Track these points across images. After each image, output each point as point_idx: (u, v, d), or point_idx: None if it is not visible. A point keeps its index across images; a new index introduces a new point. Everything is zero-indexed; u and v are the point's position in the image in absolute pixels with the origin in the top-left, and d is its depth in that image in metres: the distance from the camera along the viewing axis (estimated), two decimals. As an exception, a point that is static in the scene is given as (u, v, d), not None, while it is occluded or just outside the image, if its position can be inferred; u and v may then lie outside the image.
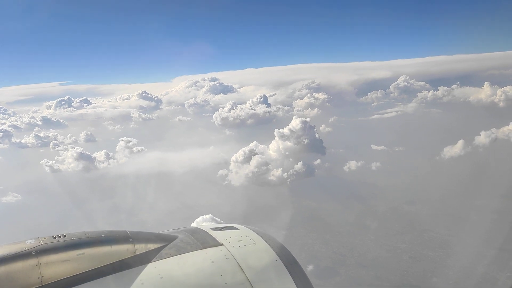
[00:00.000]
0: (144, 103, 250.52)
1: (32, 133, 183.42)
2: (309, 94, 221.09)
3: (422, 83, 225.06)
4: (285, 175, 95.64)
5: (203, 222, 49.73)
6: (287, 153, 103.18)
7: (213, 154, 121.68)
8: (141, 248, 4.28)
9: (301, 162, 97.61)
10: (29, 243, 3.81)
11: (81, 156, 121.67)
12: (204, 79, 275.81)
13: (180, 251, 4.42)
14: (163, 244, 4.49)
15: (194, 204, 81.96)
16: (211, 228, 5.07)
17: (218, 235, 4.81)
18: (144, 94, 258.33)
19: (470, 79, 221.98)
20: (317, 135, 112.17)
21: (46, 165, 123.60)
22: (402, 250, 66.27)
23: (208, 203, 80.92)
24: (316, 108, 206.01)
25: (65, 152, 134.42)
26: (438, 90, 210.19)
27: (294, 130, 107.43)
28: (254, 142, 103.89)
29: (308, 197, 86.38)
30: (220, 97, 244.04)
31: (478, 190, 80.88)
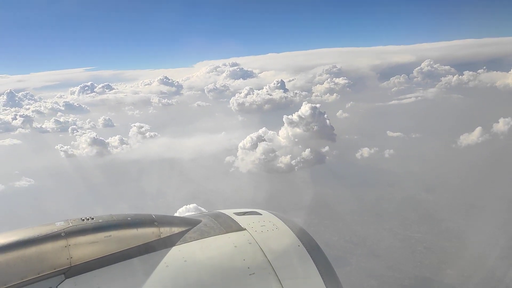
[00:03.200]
0: (165, 88, 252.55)
1: (52, 119, 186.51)
2: (329, 79, 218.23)
3: (447, 67, 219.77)
4: (293, 162, 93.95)
5: (186, 212, 48.93)
6: (296, 139, 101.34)
7: (223, 140, 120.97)
8: (165, 231, 4.36)
9: (309, 149, 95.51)
10: (58, 225, 3.93)
11: (95, 141, 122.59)
12: (225, 64, 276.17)
13: (203, 235, 4.49)
14: (187, 228, 4.56)
15: (196, 191, 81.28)
16: (234, 213, 5.11)
17: (241, 220, 4.86)
18: (165, 79, 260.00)
19: (498, 63, 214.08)
20: (328, 121, 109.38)
21: (61, 150, 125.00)
22: (416, 240, 64.43)
23: (211, 190, 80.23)
24: (335, 94, 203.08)
25: (81, 137, 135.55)
26: (463, 74, 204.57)
27: (303, 116, 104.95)
28: (264, 129, 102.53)
29: (319, 184, 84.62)
30: (240, 82, 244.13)
31: (496, 179, 77.95)
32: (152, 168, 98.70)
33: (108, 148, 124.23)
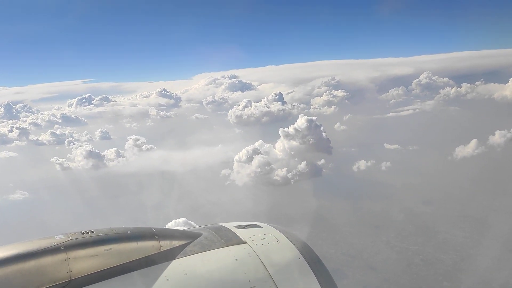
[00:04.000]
0: (163, 100, 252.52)
1: (49, 131, 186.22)
2: (327, 92, 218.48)
3: (446, 79, 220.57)
4: (289, 175, 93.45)
5: (175, 226, 48.20)
6: (292, 152, 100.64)
7: (220, 153, 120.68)
8: (166, 244, 4.33)
9: (305, 162, 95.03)
10: (58, 238, 3.90)
11: (90, 154, 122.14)
12: (223, 77, 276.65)
13: (204, 248, 4.47)
14: (188, 241, 4.54)
15: (190, 204, 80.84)
16: (235, 226, 5.08)
17: (242, 233, 4.83)
18: (163, 91, 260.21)
19: (496, 75, 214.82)
20: (324, 134, 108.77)
21: (57, 163, 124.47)
22: (413, 252, 63.86)
23: (206, 203, 79.94)
24: (333, 106, 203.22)
25: (77, 150, 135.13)
26: (461, 86, 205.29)
27: (299, 129, 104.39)
28: (260, 141, 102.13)
29: (316, 197, 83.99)
30: (238, 94, 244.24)
31: (492, 191, 77.64)
32: (147, 181, 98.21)
33: (104, 161, 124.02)
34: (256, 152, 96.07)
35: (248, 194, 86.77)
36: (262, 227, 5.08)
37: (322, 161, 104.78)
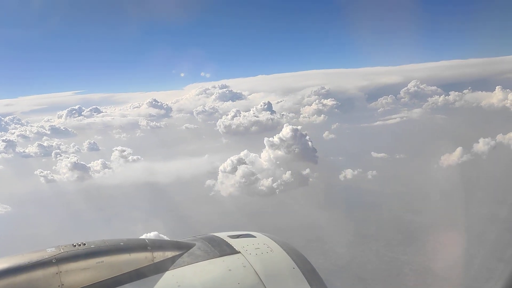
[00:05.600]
0: (153, 111, 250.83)
1: (36, 143, 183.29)
2: (317, 101, 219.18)
3: (434, 88, 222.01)
4: (275, 185, 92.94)
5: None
6: (278, 162, 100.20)
7: (206, 163, 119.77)
8: (159, 256, 4.30)
9: (290, 171, 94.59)
10: (49, 251, 3.86)
11: (76, 166, 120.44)
12: (214, 87, 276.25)
13: (197, 259, 4.45)
14: (181, 252, 4.50)
15: (175, 215, 79.88)
16: (228, 236, 5.04)
17: (235, 243, 4.80)
18: (154, 102, 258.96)
19: (483, 83, 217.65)
20: (310, 143, 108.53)
21: (41, 176, 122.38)
22: (402, 262, 63.41)
23: (191, 214, 79.13)
24: (322, 115, 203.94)
25: (61, 162, 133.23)
26: (449, 95, 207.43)
27: (284, 138, 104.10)
28: (245, 151, 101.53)
29: (303, 206, 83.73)
30: (228, 104, 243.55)
31: (479, 199, 77.81)
32: (131, 193, 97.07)
33: (90, 173, 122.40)
34: (241, 162, 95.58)
35: (233, 204, 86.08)
36: (255, 237, 5.06)
37: (307, 170, 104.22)
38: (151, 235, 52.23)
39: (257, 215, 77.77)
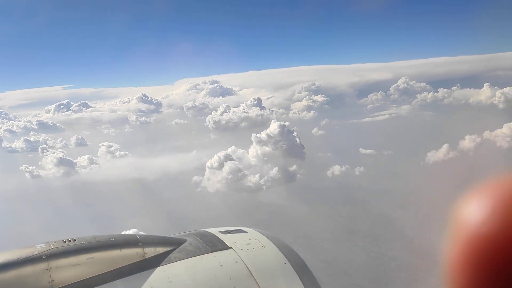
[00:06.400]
0: (143, 106, 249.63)
1: (22, 138, 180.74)
2: (307, 97, 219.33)
3: (423, 84, 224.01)
4: (262, 181, 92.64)
5: None
6: (265, 158, 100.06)
7: (194, 159, 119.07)
8: (150, 251, 4.29)
9: (276, 168, 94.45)
10: (39, 247, 3.84)
11: (61, 162, 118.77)
12: (205, 82, 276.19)
13: (189, 254, 4.43)
14: (172, 247, 4.49)
15: (161, 211, 78.68)
16: (219, 231, 5.03)
17: (227, 239, 4.80)
18: (143, 97, 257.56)
19: (472, 80, 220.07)
20: (297, 139, 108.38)
21: (26, 171, 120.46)
22: (389, 258, 63.68)
23: (177, 210, 78.40)
24: (312, 111, 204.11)
25: (45, 158, 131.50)
26: (438, 91, 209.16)
27: (271, 135, 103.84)
28: (233, 147, 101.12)
29: (291, 202, 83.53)
30: (219, 99, 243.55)
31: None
32: (119, 189, 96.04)
33: (76, 168, 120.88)
34: (228, 158, 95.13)
35: (220, 201, 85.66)
36: (247, 232, 5.05)
37: (294, 166, 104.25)
38: (130, 232, 51.47)
39: (244, 211, 77.57)
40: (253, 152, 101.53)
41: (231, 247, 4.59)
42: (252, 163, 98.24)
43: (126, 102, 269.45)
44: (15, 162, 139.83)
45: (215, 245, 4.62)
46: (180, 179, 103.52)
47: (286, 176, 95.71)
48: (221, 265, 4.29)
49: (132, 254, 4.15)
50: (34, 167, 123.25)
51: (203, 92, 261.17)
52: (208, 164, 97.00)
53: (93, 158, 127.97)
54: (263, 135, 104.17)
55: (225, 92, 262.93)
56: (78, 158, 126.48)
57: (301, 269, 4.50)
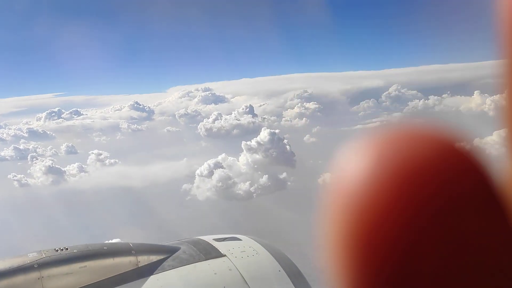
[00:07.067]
0: (135, 113, 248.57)
1: (12, 146, 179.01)
2: (299, 104, 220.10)
3: (414, 92, 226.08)
4: (252, 189, 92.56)
5: None
6: (255, 166, 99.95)
7: (184, 167, 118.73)
8: (143, 260, 4.21)
9: (267, 175, 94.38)
10: (31, 256, 3.77)
11: (50, 170, 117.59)
12: (197, 89, 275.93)
13: (182, 262, 4.37)
14: (166, 255, 4.40)
15: (150, 220, 78.15)
16: (213, 239, 4.97)
17: (221, 246, 4.74)
18: (136, 104, 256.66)
19: (463, 88, 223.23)
20: (288, 147, 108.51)
21: (14, 180, 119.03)
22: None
23: (166, 219, 77.89)
24: (304, 118, 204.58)
25: (34, 166, 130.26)
26: (429, 99, 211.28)
27: (261, 142, 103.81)
28: (223, 155, 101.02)
29: (281, 210, 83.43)
30: (211, 107, 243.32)
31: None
32: (108, 197, 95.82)
33: (65, 177, 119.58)
34: (218, 166, 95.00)
35: (210, 209, 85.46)
36: (241, 240, 5.04)
37: (284, 174, 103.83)
38: (113, 242, 50.81)
39: (235, 219, 77.18)
40: (244, 160, 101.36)
41: (225, 255, 4.58)
42: (243, 170, 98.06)
43: (118, 110, 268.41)
44: (4, 171, 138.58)
45: (209, 253, 4.61)
46: (169, 187, 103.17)
47: (277, 183, 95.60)
48: (215, 273, 4.27)
49: (125, 262, 4.08)
50: (22, 175, 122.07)
51: (196, 99, 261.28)
52: (197, 172, 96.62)
53: (83, 166, 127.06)
54: (253, 142, 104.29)
55: (218, 99, 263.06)
56: (68, 166, 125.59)
57: (296, 276, 4.49)
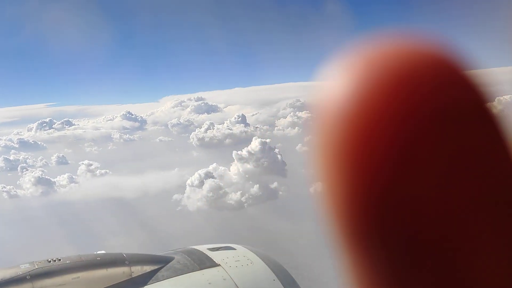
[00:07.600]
0: (127, 123, 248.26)
1: (1, 157, 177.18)
2: (292, 113, 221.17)
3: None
4: (243, 198, 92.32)
5: None
6: (247, 175, 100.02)
7: (175, 177, 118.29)
8: (137, 270, 4.22)
9: (258, 185, 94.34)
10: (23, 268, 3.74)
11: (40, 181, 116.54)
12: (190, 99, 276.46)
13: (176, 272, 4.37)
14: (160, 266, 4.40)
15: (140, 231, 77.71)
16: (208, 249, 5.01)
17: (215, 256, 4.77)
18: (128, 114, 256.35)
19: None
20: (279, 156, 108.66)
21: (4, 191, 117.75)
22: (373, 274, 63.43)
23: (157, 229, 77.20)
24: (297, 127, 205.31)
25: (24, 177, 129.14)
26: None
27: (252, 152, 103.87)
28: (214, 164, 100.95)
29: (273, 220, 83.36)
30: (204, 116, 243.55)
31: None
32: (98, 208, 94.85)
33: (55, 187, 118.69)
34: (208, 175, 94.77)
35: (201, 219, 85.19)
36: (235, 249, 5.06)
37: (275, 184, 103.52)
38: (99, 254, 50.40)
39: (226, 229, 76.92)
40: (235, 170, 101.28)
41: (219, 264, 4.58)
42: (234, 180, 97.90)
43: (110, 120, 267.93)
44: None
45: (203, 262, 4.61)
46: (160, 198, 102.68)
47: (268, 193, 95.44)
48: (209, 283, 4.25)
49: (118, 273, 4.08)
50: (12, 186, 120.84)
51: (188, 109, 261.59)
52: (188, 182, 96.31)
53: (73, 176, 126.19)
54: (244, 152, 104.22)
55: (210, 109, 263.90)
56: (58, 177, 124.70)
57: (290, 285, 4.44)
